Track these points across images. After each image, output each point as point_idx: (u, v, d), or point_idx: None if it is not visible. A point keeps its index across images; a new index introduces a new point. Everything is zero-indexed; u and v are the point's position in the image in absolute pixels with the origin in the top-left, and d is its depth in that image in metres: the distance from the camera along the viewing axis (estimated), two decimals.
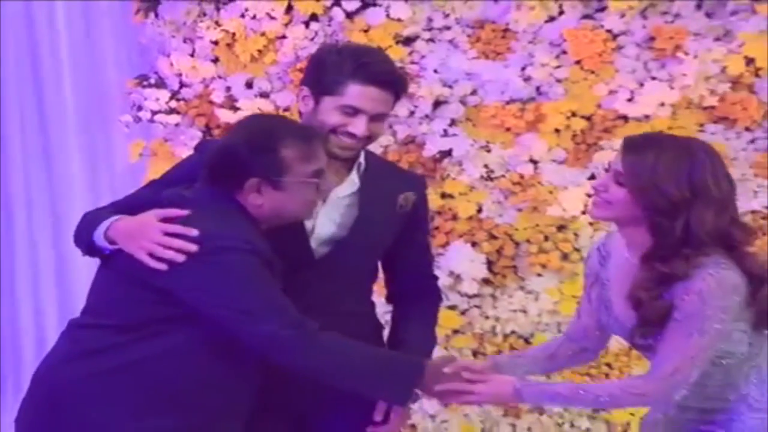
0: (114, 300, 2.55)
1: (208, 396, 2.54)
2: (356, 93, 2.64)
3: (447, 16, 3.95)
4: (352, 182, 2.75)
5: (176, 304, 2.47)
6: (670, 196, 2.46)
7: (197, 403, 2.52)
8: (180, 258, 2.40)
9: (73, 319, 2.61)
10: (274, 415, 2.76)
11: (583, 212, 3.84)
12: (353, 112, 2.65)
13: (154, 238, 2.42)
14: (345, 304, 2.73)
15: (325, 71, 2.70)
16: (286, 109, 3.92)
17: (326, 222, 2.72)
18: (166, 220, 2.48)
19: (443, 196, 3.82)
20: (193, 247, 2.41)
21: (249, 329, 2.48)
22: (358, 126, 2.65)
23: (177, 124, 3.96)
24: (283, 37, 3.95)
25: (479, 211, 3.85)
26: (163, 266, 2.40)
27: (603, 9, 3.88)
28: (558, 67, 3.89)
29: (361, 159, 2.77)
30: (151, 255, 2.40)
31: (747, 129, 3.81)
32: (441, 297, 2.99)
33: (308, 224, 2.71)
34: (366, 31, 3.91)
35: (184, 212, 2.51)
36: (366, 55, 2.75)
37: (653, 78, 3.86)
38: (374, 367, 2.59)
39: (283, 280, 2.60)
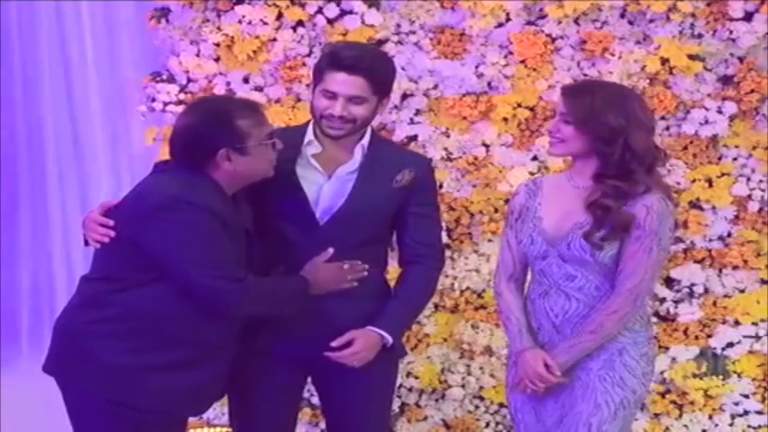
0: (101, 256, 2.78)
1: (189, 337, 2.71)
2: (330, 78, 2.86)
3: (413, 22, 4.12)
4: (354, 161, 2.95)
5: (144, 254, 2.66)
6: (609, 123, 2.70)
7: (179, 342, 2.71)
8: (106, 239, 2.72)
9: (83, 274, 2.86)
10: (281, 360, 2.97)
11: None
12: (331, 95, 2.85)
13: (94, 228, 2.77)
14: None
15: (316, 64, 2.96)
16: (277, 101, 4.08)
17: (328, 194, 2.94)
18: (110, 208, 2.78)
19: None
20: (111, 233, 2.70)
21: (194, 281, 2.65)
22: (336, 107, 2.85)
23: None
24: (275, 39, 4.09)
25: (440, 186, 3.94)
26: (98, 245, 2.74)
27: (543, 17, 4.05)
28: (506, 65, 4.08)
29: (365, 141, 2.94)
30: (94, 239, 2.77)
31: (662, 118, 4.02)
32: (436, 263, 3.06)
33: (314, 196, 2.93)
34: (344, 35, 4.04)
35: (117, 201, 2.78)
36: (339, 47, 2.97)
37: (585, 75, 4.05)
38: (282, 294, 2.84)
39: (243, 243, 2.73)
